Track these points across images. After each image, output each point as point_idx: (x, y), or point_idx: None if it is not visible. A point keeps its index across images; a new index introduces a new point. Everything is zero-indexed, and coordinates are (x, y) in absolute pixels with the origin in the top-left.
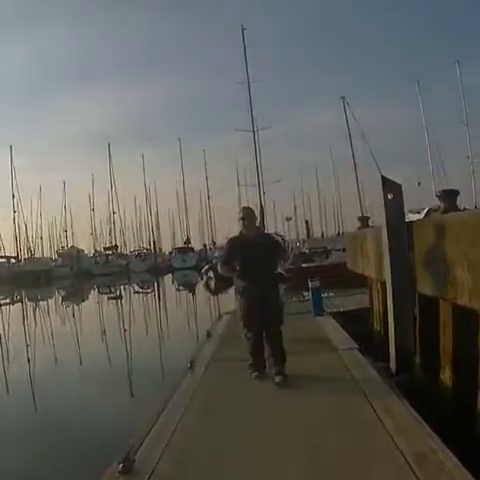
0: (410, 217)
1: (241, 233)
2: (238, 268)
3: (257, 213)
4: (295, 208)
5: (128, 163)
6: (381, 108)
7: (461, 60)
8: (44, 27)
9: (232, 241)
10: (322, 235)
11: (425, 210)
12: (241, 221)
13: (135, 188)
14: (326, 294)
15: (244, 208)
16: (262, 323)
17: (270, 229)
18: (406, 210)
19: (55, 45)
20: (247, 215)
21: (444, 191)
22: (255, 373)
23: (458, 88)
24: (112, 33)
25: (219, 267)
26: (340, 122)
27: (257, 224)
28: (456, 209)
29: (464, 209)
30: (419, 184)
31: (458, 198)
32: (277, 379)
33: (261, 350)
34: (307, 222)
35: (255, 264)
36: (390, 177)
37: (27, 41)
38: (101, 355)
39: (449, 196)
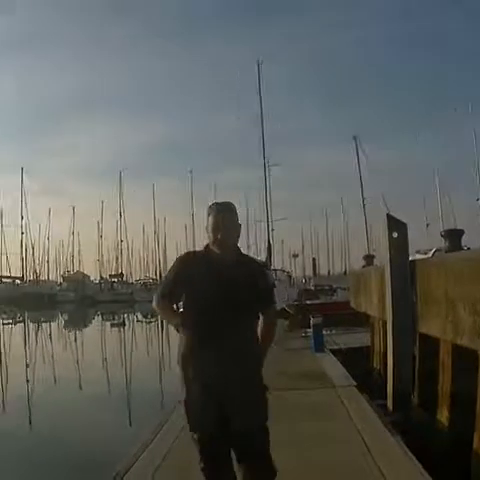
0: (417, 258)
1: (207, 249)
2: (186, 311)
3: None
4: (303, 245)
5: (139, 193)
6: (393, 149)
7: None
8: (60, 53)
9: (184, 259)
10: (328, 273)
11: (432, 251)
12: (211, 231)
13: (145, 218)
14: (328, 331)
15: (217, 206)
16: (225, 425)
17: (277, 266)
18: (413, 251)
19: (74, 72)
20: (223, 221)
21: (448, 231)
22: None
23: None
24: (130, 64)
25: (154, 302)
26: (352, 161)
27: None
28: (460, 249)
29: (468, 249)
30: (427, 225)
31: (463, 238)
32: None
33: (226, 468)
34: (314, 259)
35: (221, 308)
36: (399, 218)
37: (48, 63)
38: (98, 381)
39: (453, 235)
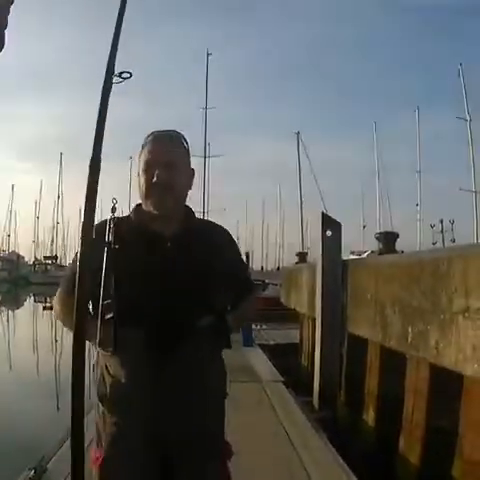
0: (351, 258)
1: (137, 212)
2: (111, 317)
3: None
4: (237, 238)
5: (80, 176)
6: (334, 148)
7: (421, 107)
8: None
9: (100, 231)
10: (262, 269)
11: (367, 252)
12: (143, 171)
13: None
14: (258, 326)
15: (155, 135)
16: None
17: None
18: (348, 251)
19: (16, 50)
20: (163, 154)
21: (383, 233)
22: None
23: (414, 136)
24: (75, 44)
25: (55, 301)
26: (291, 156)
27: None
28: (394, 252)
29: (402, 252)
30: (364, 227)
31: (399, 242)
32: None
33: None
34: (247, 253)
35: (163, 315)
36: (335, 218)
37: None
38: (24, 363)
39: (388, 238)
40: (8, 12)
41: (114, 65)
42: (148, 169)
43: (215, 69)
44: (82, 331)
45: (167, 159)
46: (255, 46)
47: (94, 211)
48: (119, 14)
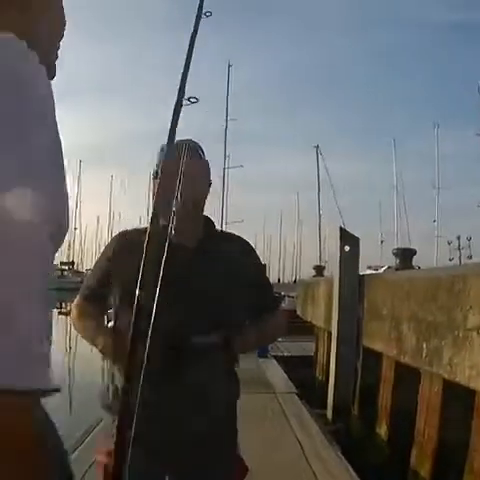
0: (368, 273)
1: (153, 225)
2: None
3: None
4: None
5: (100, 183)
6: (353, 162)
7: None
8: None
9: (118, 244)
10: (278, 280)
11: (384, 267)
12: (158, 185)
13: (103, 208)
14: None
15: (176, 146)
16: None
17: None
18: (365, 265)
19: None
20: (177, 166)
21: (400, 249)
22: None
23: (433, 152)
24: (97, 54)
25: (73, 307)
26: (309, 169)
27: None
28: (410, 268)
29: (418, 268)
30: (382, 242)
31: (415, 258)
32: None
33: None
34: (264, 265)
35: (179, 326)
36: (353, 232)
37: None
38: None
39: (405, 254)
40: (59, 46)
41: (185, 89)
42: (159, 179)
43: (236, 80)
44: (137, 334)
45: (188, 173)
46: (280, 57)
47: (158, 218)
48: (191, 39)
